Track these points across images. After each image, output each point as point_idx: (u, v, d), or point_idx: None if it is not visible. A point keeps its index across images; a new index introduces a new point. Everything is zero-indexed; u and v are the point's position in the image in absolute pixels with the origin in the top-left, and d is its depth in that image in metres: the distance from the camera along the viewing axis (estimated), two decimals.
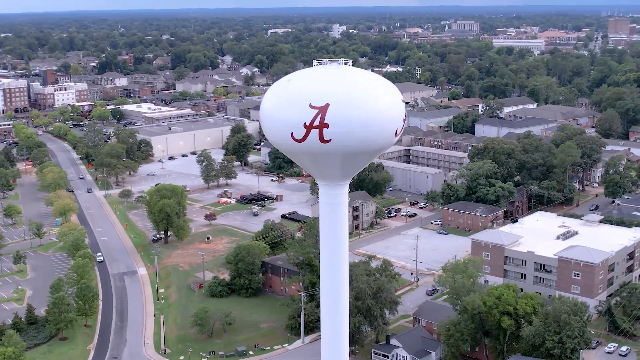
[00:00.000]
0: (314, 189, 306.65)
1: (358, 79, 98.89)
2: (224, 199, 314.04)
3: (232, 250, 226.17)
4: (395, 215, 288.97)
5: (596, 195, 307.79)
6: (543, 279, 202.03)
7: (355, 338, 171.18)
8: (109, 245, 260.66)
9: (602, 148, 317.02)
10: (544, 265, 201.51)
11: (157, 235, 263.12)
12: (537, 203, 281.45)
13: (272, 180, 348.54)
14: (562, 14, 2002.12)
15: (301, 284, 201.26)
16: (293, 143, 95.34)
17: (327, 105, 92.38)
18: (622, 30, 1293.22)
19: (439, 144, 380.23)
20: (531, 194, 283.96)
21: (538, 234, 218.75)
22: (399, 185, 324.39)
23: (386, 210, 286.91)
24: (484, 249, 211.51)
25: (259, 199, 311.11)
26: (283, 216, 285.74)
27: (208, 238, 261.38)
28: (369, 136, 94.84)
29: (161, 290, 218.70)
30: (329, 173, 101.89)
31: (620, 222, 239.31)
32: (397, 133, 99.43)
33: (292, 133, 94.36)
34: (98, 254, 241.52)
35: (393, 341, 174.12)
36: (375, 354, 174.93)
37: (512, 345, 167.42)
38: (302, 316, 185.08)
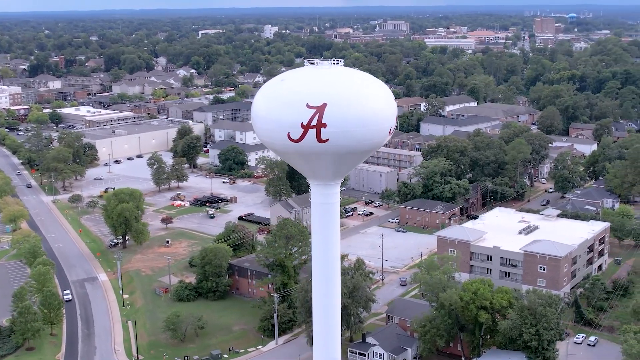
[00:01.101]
0: (269, 190, 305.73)
1: (353, 79, 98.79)
2: (178, 202, 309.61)
3: (197, 253, 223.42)
4: (352, 214, 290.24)
5: (545, 191, 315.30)
6: (509, 273, 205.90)
7: None
8: (64, 251, 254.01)
9: (550, 144, 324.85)
10: (509, 259, 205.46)
11: (115, 240, 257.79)
12: (492, 199, 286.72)
13: (224, 182, 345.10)
14: (487, 14, 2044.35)
15: (270, 286, 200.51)
16: (289, 143, 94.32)
17: (325, 104, 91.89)
18: (548, 29, 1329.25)
19: (387, 142, 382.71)
20: (485, 190, 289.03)
21: (500, 230, 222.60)
22: (352, 184, 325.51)
23: (343, 209, 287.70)
24: (450, 245, 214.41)
25: (214, 201, 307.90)
26: (240, 218, 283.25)
27: (167, 242, 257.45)
28: (365, 135, 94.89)
29: (126, 296, 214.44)
30: (323, 173, 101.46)
31: (576, 216, 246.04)
32: (391, 131, 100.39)
33: (288, 133, 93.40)
34: (66, 291, 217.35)
35: (369, 339, 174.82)
36: (352, 352, 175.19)
37: (487, 339, 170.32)
38: (275, 318, 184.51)
